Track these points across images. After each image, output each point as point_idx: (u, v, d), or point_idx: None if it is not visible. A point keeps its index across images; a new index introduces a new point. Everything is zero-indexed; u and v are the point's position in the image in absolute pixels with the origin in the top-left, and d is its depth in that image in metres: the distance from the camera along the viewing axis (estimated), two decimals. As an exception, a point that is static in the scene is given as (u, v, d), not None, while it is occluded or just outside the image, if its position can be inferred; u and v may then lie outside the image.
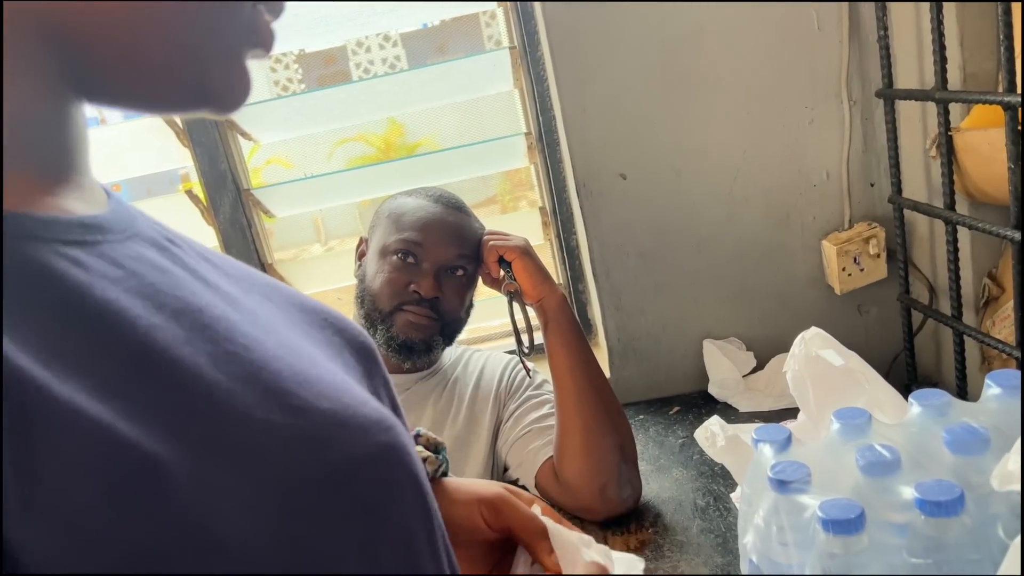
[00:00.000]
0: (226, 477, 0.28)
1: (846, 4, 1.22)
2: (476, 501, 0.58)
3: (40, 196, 0.32)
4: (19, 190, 0.30)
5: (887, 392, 0.83)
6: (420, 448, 0.59)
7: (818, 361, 0.84)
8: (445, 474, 0.61)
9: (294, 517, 0.30)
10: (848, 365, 0.84)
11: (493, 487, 0.60)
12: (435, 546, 0.39)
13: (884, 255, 1.29)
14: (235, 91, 0.36)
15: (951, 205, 1.08)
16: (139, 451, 0.26)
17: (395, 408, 0.47)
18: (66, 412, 0.25)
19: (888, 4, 1.16)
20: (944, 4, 1.02)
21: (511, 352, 1.24)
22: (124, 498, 0.25)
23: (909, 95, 1.14)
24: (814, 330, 0.87)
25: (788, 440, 0.70)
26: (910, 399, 0.72)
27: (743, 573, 0.73)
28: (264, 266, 1.48)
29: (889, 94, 1.18)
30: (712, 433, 0.89)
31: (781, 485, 0.64)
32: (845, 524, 0.58)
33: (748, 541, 0.67)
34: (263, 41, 0.37)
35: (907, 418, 0.71)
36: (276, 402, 0.32)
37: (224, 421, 0.30)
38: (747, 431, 0.92)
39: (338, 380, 0.36)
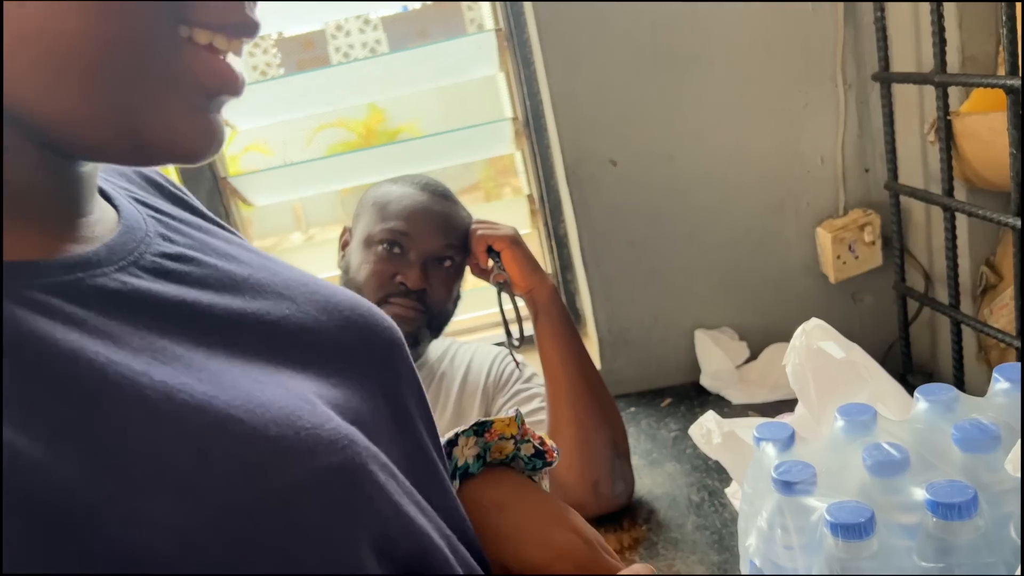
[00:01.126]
0: (160, 510, 0.29)
1: (842, -16, 1.18)
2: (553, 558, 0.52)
3: (28, 241, 0.33)
4: (11, 239, 0.32)
5: (890, 385, 0.80)
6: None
7: (819, 353, 0.81)
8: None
9: (229, 547, 0.30)
10: (850, 358, 0.81)
11: (583, 536, 0.53)
12: (408, 554, 0.38)
13: (879, 242, 1.27)
14: (186, 141, 0.35)
15: (949, 191, 1.05)
16: (68, 486, 0.27)
17: (420, 400, 0.47)
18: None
19: (885, -16, 1.13)
20: (944, -16, 0.99)
21: (500, 344, 1.21)
22: (50, 530, 0.26)
23: (907, 78, 1.12)
24: (815, 321, 0.84)
25: (791, 438, 0.67)
26: (916, 394, 0.69)
27: (744, 575, 0.70)
28: (244, 256, 1.43)
29: (886, 77, 1.15)
30: (707, 430, 0.87)
31: (786, 486, 0.61)
32: (854, 528, 0.56)
33: (751, 544, 0.64)
34: (210, 82, 0.35)
35: (913, 414, 0.68)
36: (224, 432, 0.32)
37: (163, 454, 0.30)
38: (743, 426, 0.90)
39: (297, 403, 0.36)
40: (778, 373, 1.24)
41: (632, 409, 1.31)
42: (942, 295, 1.13)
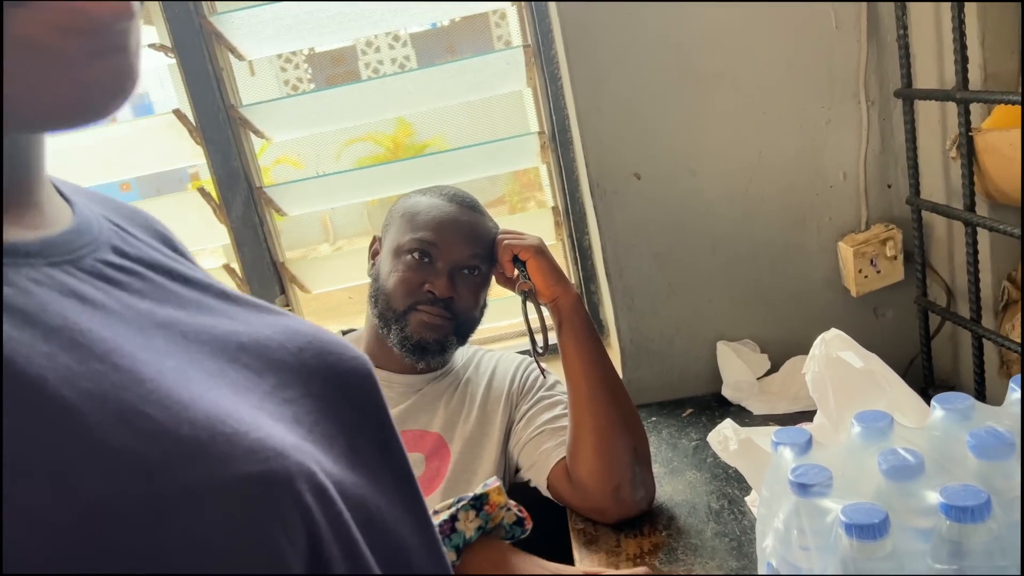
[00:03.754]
0: (37, 498, 0.27)
1: (864, 3, 1.20)
2: None
3: None
4: None
5: (908, 395, 0.81)
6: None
7: (838, 363, 0.83)
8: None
9: (103, 547, 0.28)
10: (868, 367, 0.82)
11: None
12: None
13: (901, 257, 1.27)
14: (74, 97, 0.32)
15: (971, 207, 1.06)
16: None
17: (385, 438, 0.45)
18: None
19: (908, 3, 1.14)
20: (965, 3, 1.01)
21: (524, 352, 1.23)
22: None
23: (929, 95, 1.13)
24: (834, 332, 0.86)
25: (809, 443, 0.69)
26: (933, 402, 0.70)
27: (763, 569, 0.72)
28: (276, 264, 1.47)
29: (908, 94, 1.16)
30: (724, 437, 0.88)
31: (802, 488, 0.63)
32: (868, 529, 0.57)
33: (767, 545, 0.66)
34: (73, 21, 0.31)
35: (930, 422, 0.70)
36: (126, 425, 0.30)
37: (50, 439, 0.28)
38: (760, 434, 0.92)
39: (227, 408, 0.34)
40: (799, 385, 1.25)
41: (654, 419, 1.32)
42: (964, 310, 1.14)
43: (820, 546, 0.62)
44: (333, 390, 0.42)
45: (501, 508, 0.59)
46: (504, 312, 1.42)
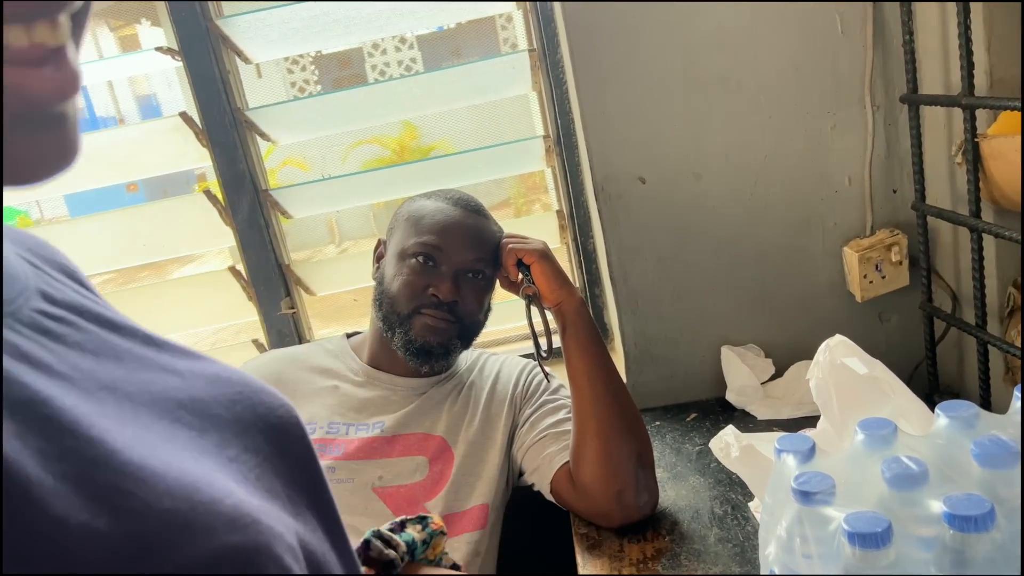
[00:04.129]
0: None
1: (870, 7, 1.20)
2: None
3: None
4: None
5: (912, 402, 0.81)
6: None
7: (843, 369, 0.82)
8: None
9: None
10: (873, 374, 0.82)
11: None
12: None
13: (906, 262, 1.27)
14: (27, 167, 0.31)
15: (977, 212, 1.06)
16: None
17: (314, 485, 0.45)
18: None
19: (914, 7, 1.14)
20: (971, 8, 1.01)
21: (528, 356, 1.23)
22: None
23: (935, 101, 1.13)
24: (839, 337, 0.86)
25: (812, 450, 0.69)
26: (936, 410, 0.70)
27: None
28: (281, 267, 1.47)
29: (914, 99, 1.16)
30: (726, 443, 0.88)
31: (805, 496, 0.63)
32: (871, 538, 0.57)
33: (770, 552, 0.66)
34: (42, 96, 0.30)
35: (934, 430, 0.69)
36: (107, 503, 0.29)
37: (37, 526, 0.27)
38: (762, 440, 0.92)
39: (195, 474, 0.34)
40: (803, 390, 1.25)
41: (657, 423, 1.32)
42: (969, 316, 1.13)
43: (823, 554, 0.61)
44: (266, 442, 0.42)
45: (441, 535, 0.62)
46: (508, 316, 1.42)
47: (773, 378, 1.32)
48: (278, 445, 0.43)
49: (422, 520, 0.62)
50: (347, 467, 1.11)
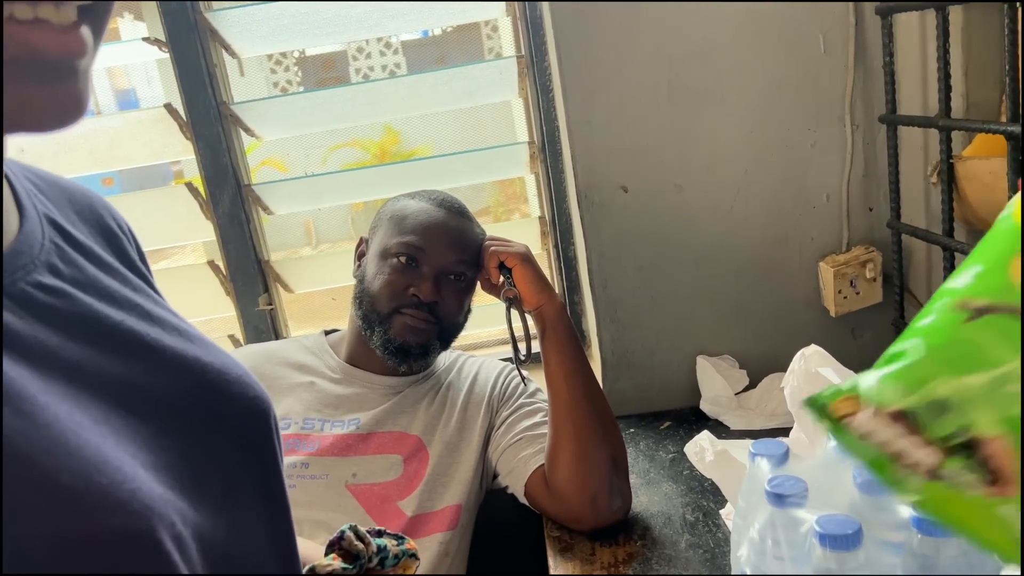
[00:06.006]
0: None
1: (853, 28, 1.23)
2: None
3: None
4: None
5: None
6: (327, 560, 0.57)
7: (817, 378, 0.84)
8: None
9: None
10: (845, 384, 0.84)
11: None
12: None
13: (880, 279, 1.30)
14: (36, 113, 0.33)
15: (950, 232, 1.09)
16: None
17: (267, 481, 0.46)
18: None
19: (895, 30, 1.17)
20: (950, 33, 1.03)
21: (507, 360, 1.24)
22: None
23: (912, 121, 1.15)
24: (813, 347, 0.87)
25: (786, 455, 0.70)
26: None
27: (735, 587, 0.73)
28: (260, 263, 1.47)
29: (892, 119, 1.19)
30: (701, 448, 0.89)
31: (778, 499, 0.64)
32: (842, 540, 0.58)
33: (742, 554, 0.67)
34: (47, 52, 0.33)
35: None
36: (12, 471, 0.31)
37: None
38: (737, 447, 0.93)
39: (106, 457, 0.35)
40: (776, 402, 1.27)
41: (632, 430, 1.33)
42: (940, 333, 1.16)
43: (794, 556, 0.62)
44: (217, 431, 0.44)
45: (412, 556, 0.63)
46: (488, 319, 1.43)
47: (747, 389, 1.34)
48: (231, 434, 0.44)
49: (400, 538, 0.62)
50: (321, 463, 1.10)
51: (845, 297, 1.30)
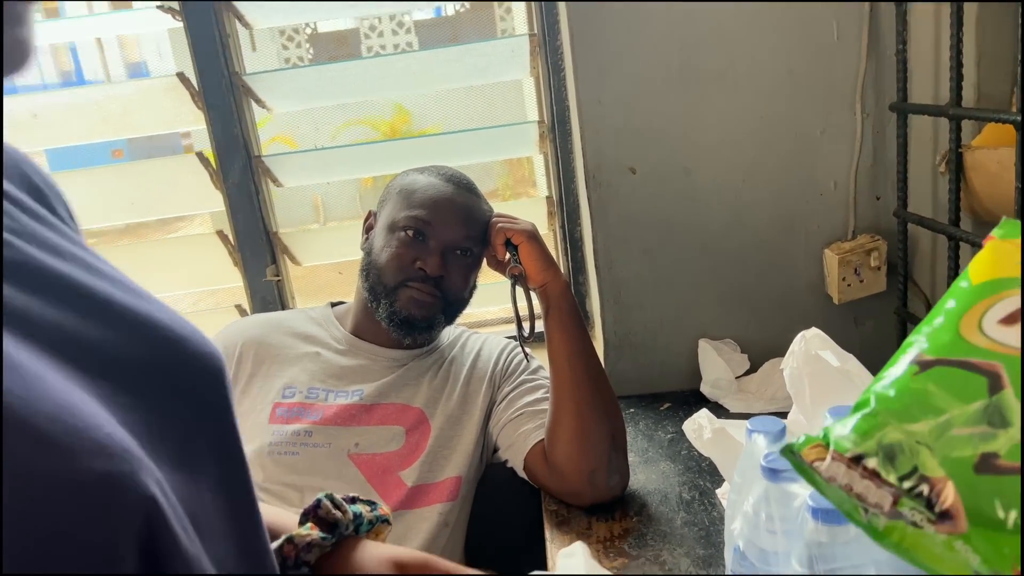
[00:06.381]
0: None
1: (867, 16, 1.22)
2: (390, 564, 0.58)
3: None
4: None
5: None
6: (305, 530, 0.58)
7: (817, 359, 0.85)
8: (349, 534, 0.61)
9: None
10: (845, 367, 0.85)
11: (415, 554, 0.59)
12: None
13: (885, 268, 1.30)
14: None
15: (956, 221, 1.09)
16: None
17: (222, 437, 0.45)
18: None
19: (909, 19, 1.17)
20: (964, 23, 1.03)
21: (510, 337, 1.25)
22: None
23: (923, 110, 1.15)
24: (814, 330, 0.88)
25: (782, 432, 0.71)
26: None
27: (727, 560, 0.74)
28: (269, 234, 1.48)
29: (903, 108, 1.19)
30: (699, 425, 0.90)
31: (772, 474, 0.65)
32: (834, 514, 0.59)
33: (736, 527, 0.68)
34: None
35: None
36: None
37: None
38: (734, 426, 0.94)
39: (76, 405, 0.34)
40: (776, 386, 1.28)
41: (632, 410, 1.34)
42: (941, 322, 1.16)
43: (787, 530, 0.64)
44: (171, 389, 0.42)
45: (385, 522, 0.64)
46: (492, 298, 1.43)
47: (748, 373, 1.35)
48: (184, 393, 0.43)
49: (372, 504, 0.63)
50: (324, 432, 1.12)
51: (849, 285, 1.30)
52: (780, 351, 1.31)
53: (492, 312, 1.59)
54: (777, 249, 1.34)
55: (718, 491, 1.08)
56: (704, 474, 1.13)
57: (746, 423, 0.79)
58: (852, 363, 0.86)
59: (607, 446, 1.06)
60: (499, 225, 1.13)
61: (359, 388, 1.16)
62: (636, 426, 1.29)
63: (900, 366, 0.55)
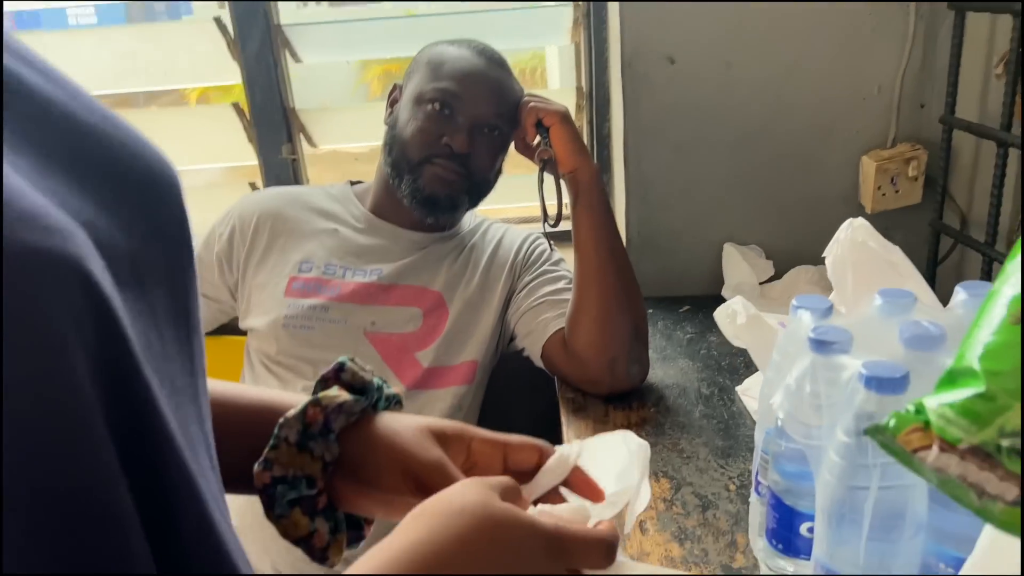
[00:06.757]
0: None
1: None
2: (426, 431, 0.51)
3: None
4: None
5: (925, 291, 0.81)
6: (334, 392, 0.51)
7: (863, 247, 0.82)
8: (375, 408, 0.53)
9: None
10: (891, 258, 0.82)
11: (449, 421, 0.53)
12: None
13: (922, 180, 1.26)
14: None
15: (1007, 126, 1.05)
16: None
17: (177, 254, 0.36)
18: None
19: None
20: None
21: (532, 223, 1.22)
22: None
23: (985, 7, 1.09)
24: (861, 220, 0.85)
25: (829, 310, 0.68)
26: (957, 288, 0.70)
27: (757, 442, 0.72)
28: (287, 110, 1.42)
29: (961, 6, 1.13)
30: (733, 311, 0.88)
31: (821, 345, 0.62)
32: (889, 383, 0.57)
33: (776, 401, 0.66)
34: None
35: (952, 304, 0.69)
36: None
37: None
38: (768, 317, 0.91)
39: (16, 179, 0.28)
40: (799, 294, 1.25)
41: (651, 311, 1.31)
42: (978, 236, 1.13)
43: (834, 403, 0.61)
44: (128, 201, 0.34)
45: (397, 404, 0.56)
46: (515, 194, 1.39)
47: (771, 280, 1.32)
48: (144, 205, 0.35)
49: (383, 381, 0.56)
50: (341, 308, 1.09)
51: (884, 194, 1.26)
52: (806, 259, 1.29)
53: (511, 209, 1.54)
54: (813, 153, 1.30)
55: (738, 388, 1.06)
56: (724, 372, 1.11)
57: (777, 318, 0.77)
58: (898, 255, 0.83)
59: (629, 335, 1.04)
60: (531, 104, 1.09)
61: (377, 268, 1.14)
62: (655, 325, 1.27)
63: (1002, 330, 0.44)
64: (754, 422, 0.99)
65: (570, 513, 0.47)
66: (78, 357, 0.26)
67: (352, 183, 1.26)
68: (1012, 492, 0.43)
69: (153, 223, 0.35)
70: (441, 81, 1.09)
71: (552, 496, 0.52)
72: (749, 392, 1.04)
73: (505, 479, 0.46)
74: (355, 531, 0.53)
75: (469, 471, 0.53)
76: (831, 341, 0.62)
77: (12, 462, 0.24)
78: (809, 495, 0.66)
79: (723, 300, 1.31)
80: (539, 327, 1.10)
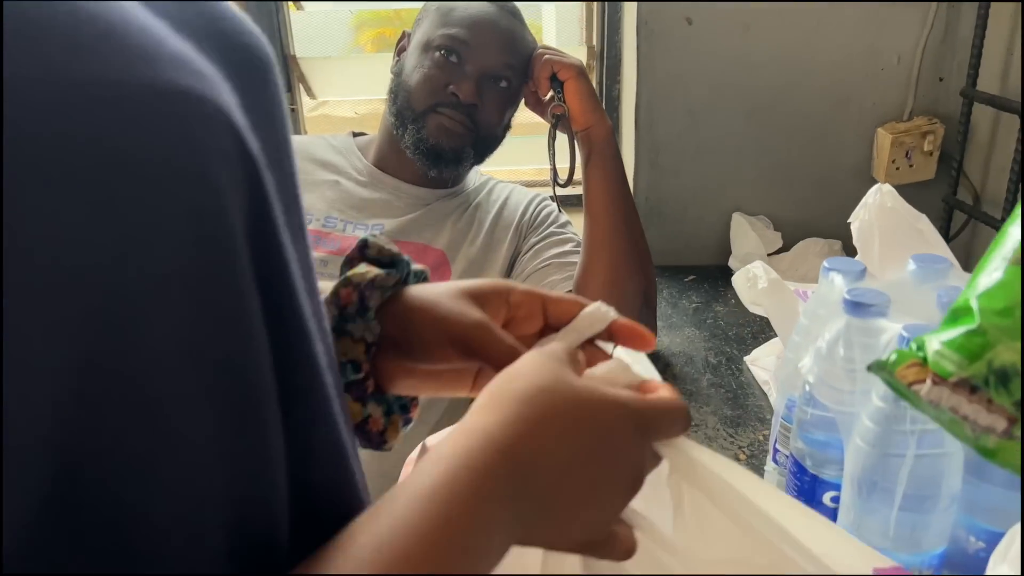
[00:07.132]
0: None
1: None
2: (463, 294, 0.47)
3: None
4: None
5: (952, 259, 0.79)
6: (362, 268, 0.47)
7: (891, 213, 0.79)
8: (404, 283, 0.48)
9: None
10: (918, 225, 0.79)
11: (486, 280, 0.49)
12: None
13: (937, 154, 1.23)
14: None
15: (1033, 100, 1.02)
16: None
17: (279, 141, 0.32)
18: None
19: None
20: None
21: (542, 185, 1.18)
22: None
23: (1016, -24, 1.06)
24: (888, 186, 0.82)
25: (863, 272, 0.66)
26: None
27: (776, 410, 0.70)
28: (286, 58, 1.37)
29: (991, -25, 1.10)
30: (753, 276, 0.85)
31: (858, 308, 0.60)
32: (931, 347, 0.54)
33: (805, 364, 0.64)
34: None
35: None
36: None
37: None
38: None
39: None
40: (808, 267, 1.23)
41: (656, 279, 1.29)
42: (992, 214, 1.11)
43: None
44: (238, 78, 0.31)
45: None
46: (522, 155, 1.35)
47: (779, 252, 1.30)
48: (251, 85, 0.31)
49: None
50: (340, 262, 1.05)
51: (898, 168, 1.24)
52: (815, 232, 1.27)
53: (518, 171, 1.50)
54: (827, 124, 1.27)
55: (746, 358, 1.04)
56: (731, 342, 1.09)
57: (795, 286, 0.74)
58: (924, 223, 0.80)
59: (638, 301, 1.01)
60: (546, 56, 1.04)
61: (379, 223, 1.10)
62: (660, 294, 1.24)
63: (1002, 272, 0.45)
64: (763, 392, 0.97)
65: (614, 372, 0.43)
66: (235, 211, 0.24)
67: (355, 134, 1.22)
68: (1000, 423, 0.44)
69: (259, 102, 0.32)
70: (450, 28, 1.04)
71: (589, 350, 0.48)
72: (758, 362, 1.01)
73: (565, 347, 0.41)
74: (403, 414, 0.50)
75: (507, 325, 0.49)
76: (869, 303, 0.59)
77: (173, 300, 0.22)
78: (834, 463, 0.64)
79: (729, 271, 1.30)
80: (545, 289, 1.07)
